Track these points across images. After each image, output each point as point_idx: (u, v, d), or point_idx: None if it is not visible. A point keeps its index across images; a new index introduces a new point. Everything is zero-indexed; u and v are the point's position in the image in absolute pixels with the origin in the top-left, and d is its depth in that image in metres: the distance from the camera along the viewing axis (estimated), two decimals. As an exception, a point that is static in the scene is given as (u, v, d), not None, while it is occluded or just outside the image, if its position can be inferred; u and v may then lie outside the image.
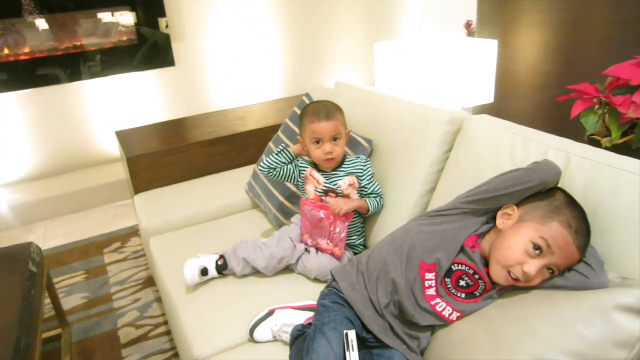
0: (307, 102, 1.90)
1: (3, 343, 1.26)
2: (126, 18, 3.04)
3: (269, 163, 1.49)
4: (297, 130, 1.78)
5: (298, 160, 1.53)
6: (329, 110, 1.43)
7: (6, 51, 2.79)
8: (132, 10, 3.01)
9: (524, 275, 0.93)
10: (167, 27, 3.12)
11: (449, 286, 1.05)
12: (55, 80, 2.96)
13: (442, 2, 3.81)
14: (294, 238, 1.45)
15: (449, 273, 1.05)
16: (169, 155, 2.10)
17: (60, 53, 2.92)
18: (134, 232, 2.63)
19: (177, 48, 3.22)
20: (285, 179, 1.52)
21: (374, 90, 1.67)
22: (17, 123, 2.98)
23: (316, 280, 1.41)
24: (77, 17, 2.92)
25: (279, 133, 1.91)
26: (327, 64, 3.81)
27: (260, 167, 1.52)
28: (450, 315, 1.04)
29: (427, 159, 1.35)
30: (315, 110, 1.43)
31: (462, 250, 1.05)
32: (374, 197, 1.46)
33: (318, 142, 1.42)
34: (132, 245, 2.49)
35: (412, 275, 1.06)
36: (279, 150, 1.50)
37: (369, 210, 1.44)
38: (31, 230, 2.81)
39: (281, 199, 1.68)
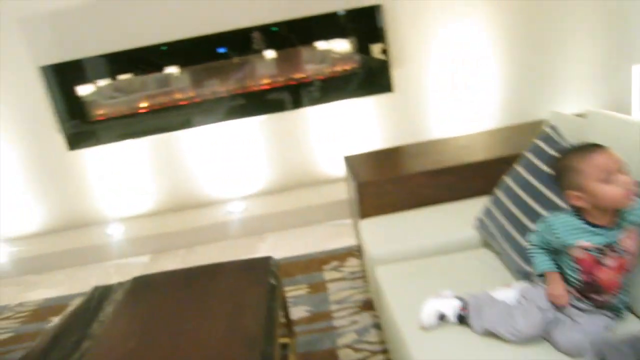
0: (551, 133, 1.70)
1: (254, 351, 1.40)
2: (346, 46, 3.23)
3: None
4: (542, 166, 1.60)
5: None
6: (596, 143, 1.23)
7: (245, 82, 3.25)
8: (352, 39, 3.20)
9: None
10: (385, 53, 3.21)
11: None
12: (282, 107, 3.31)
13: None
14: (542, 305, 1.25)
15: None
16: (394, 183, 2.12)
17: (291, 82, 3.26)
18: (350, 252, 2.73)
19: (395, 74, 3.29)
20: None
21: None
22: (257, 144, 3.42)
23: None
24: (301, 49, 3.26)
25: (518, 168, 1.75)
26: (554, 89, 3.43)
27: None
28: None
29: None
30: (583, 147, 1.24)
31: None
32: None
33: (604, 180, 1.16)
34: (350, 266, 2.59)
35: None
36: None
37: None
38: (262, 240, 3.16)
39: (522, 242, 1.52)
